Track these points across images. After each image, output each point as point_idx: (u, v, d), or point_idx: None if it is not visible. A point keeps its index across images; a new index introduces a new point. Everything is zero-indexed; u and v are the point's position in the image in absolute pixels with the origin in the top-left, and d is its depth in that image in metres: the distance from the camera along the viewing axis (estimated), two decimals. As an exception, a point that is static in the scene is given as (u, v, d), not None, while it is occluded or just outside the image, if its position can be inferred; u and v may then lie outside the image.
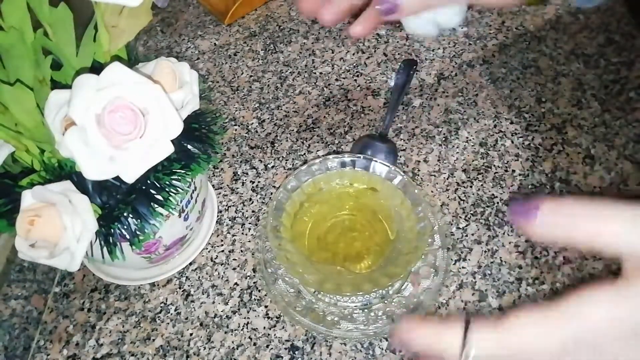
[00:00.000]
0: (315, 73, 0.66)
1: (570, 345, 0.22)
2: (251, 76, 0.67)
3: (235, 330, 0.47)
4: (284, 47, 0.70)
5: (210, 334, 0.47)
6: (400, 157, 0.57)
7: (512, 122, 0.58)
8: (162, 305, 0.49)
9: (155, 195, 0.40)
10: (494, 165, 0.55)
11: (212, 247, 0.52)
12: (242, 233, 0.53)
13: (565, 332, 0.22)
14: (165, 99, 0.36)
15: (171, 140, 0.37)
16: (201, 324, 0.48)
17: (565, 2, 0.69)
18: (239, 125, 0.62)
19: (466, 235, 0.50)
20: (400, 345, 0.26)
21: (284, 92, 0.65)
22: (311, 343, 0.46)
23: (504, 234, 0.50)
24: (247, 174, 0.58)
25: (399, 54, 0.66)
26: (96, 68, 0.40)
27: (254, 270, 0.50)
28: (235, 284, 0.50)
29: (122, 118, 0.34)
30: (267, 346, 0.46)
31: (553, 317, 0.22)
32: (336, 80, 0.65)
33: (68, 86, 0.36)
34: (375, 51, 0.67)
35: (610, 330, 0.22)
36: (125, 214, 0.39)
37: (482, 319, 0.24)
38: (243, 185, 0.57)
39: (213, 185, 0.57)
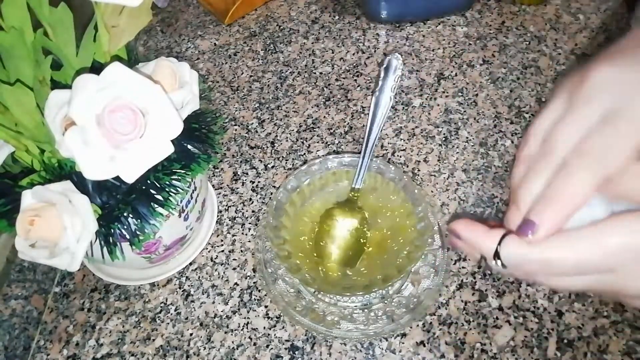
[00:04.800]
0: (315, 73, 0.66)
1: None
2: (251, 76, 0.67)
3: (235, 330, 0.47)
4: (284, 47, 0.70)
5: (210, 334, 0.47)
6: (401, 157, 0.57)
7: (512, 122, 0.58)
8: (162, 305, 0.49)
9: (155, 195, 0.40)
10: (494, 165, 0.55)
11: (212, 247, 0.52)
12: (242, 233, 0.53)
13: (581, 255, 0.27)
14: (165, 99, 0.36)
15: (171, 140, 0.37)
16: (201, 324, 0.48)
17: (565, 2, 0.69)
18: (239, 125, 0.62)
19: (466, 235, 0.50)
20: (452, 235, 0.31)
21: (284, 92, 0.65)
22: (311, 343, 0.46)
23: (504, 234, 0.50)
24: (247, 174, 0.58)
25: (399, 53, 0.66)
26: (96, 68, 0.40)
27: (254, 270, 0.50)
28: (235, 284, 0.50)
29: (122, 118, 0.34)
30: (267, 346, 0.46)
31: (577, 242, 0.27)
32: (336, 80, 0.65)
33: (68, 86, 0.36)
34: (375, 51, 0.67)
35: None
36: (125, 214, 0.39)
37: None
38: (243, 185, 0.57)
39: (213, 185, 0.57)
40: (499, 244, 0.28)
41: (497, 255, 0.28)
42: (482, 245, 0.29)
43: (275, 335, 0.46)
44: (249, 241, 0.52)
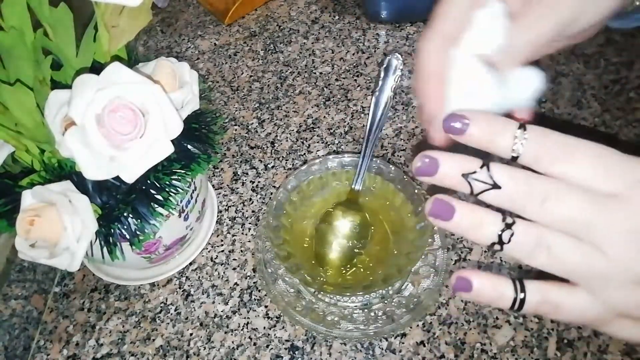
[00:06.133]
0: (315, 73, 0.66)
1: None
2: (251, 76, 0.67)
3: (235, 330, 0.47)
4: (284, 47, 0.70)
5: (210, 334, 0.47)
6: (401, 157, 0.57)
7: (512, 122, 0.58)
8: (162, 305, 0.49)
9: (155, 195, 0.40)
10: (494, 165, 0.55)
11: (212, 247, 0.52)
12: (242, 233, 0.53)
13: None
14: (165, 99, 0.36)
15: (171, 140, 0.37)
16: (201, 324, 0.48)
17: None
18: (239, 125, 0.62)
19: (466, 235, 0.50)
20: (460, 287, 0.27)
21: (284, 92, 0.65)
22: (311, 343, 0.46)
23: (504, 234, 0.50)
24: (247, 174, 0.58)
25: (399, 53, 0.66)
26: (96, 68, 0.40)
27: (254, 270, 0.50)
28: (235, 284, 0.50)
29: (122, 118, 0.34)
30: (267, 346, 0.46)
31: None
32: (336, 80, 0.65)
33: (68, 86, 0.36)
34: (375, 51, 0.67)
35: None
36: (125, 214, 0.39)
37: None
38: (243, 185, 0.57)
39: (213, 185, 0.57)
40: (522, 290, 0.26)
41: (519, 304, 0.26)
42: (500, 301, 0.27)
43: (275, 335, 0.46)
44: (249, 241, 0.52)
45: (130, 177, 0.36)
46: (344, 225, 0.48)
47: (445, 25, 0.30)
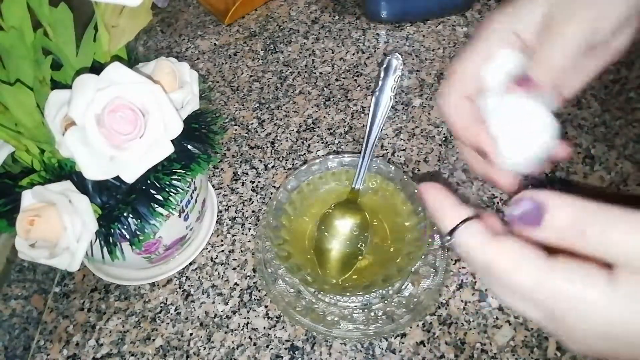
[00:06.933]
0: (315, 73, 0.66)
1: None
2: (251, 76, 0.67)
3: (235, 330, 0.47)
4: (284, 47, 0.70)
5: (210, 334, 0.47)
6: (401, 157, 0.57)
7: (512, 122, 0.58)
8: (162, 305, 0.49)
9: (155, 195, 0.40)
10: (494, 165, 0.55)
11: (212, 247, 0.52)
12: (242, 233, 0.53)
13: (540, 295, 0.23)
14: (165, 99, 0.36)
15: (171, 140, 0.37)
16: (201, 324, 0.48)
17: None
18: (239, 125, 0.62)
19: (466, 235, 0.50)
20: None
21: (284, 92, 0.65)
22: (311, 343, 0.46)
23: (504, 234, 0.50)
24: (247, 174, 0.58)
25: (399, 53, 0.66)
26: (96, 68, 0.40)
27: (254, 270, 0.50)
28: (235, 284, 0.50)
29: (122, 118, 0.34)
30: (267, 346, 0.46)
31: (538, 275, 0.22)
32: (336, 80, 0.65)
33: (68, 86, 0.36)
34: (375, 51, 0.67)
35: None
36: (125, 214, 0.39)
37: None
38: (243, 185, 0.57)
39: (213, 185, 0.57)
40: (457, 226, 0.26)
41: (451, 234, 0.26)
42: (441, 220, 0.27)
43: (275, 335, 0.46)
44: (249, 241, 0.52)
45: (130, 177, 0.36)
46: (344, 225, 0.48)
47: (461, 81, 0.32)
